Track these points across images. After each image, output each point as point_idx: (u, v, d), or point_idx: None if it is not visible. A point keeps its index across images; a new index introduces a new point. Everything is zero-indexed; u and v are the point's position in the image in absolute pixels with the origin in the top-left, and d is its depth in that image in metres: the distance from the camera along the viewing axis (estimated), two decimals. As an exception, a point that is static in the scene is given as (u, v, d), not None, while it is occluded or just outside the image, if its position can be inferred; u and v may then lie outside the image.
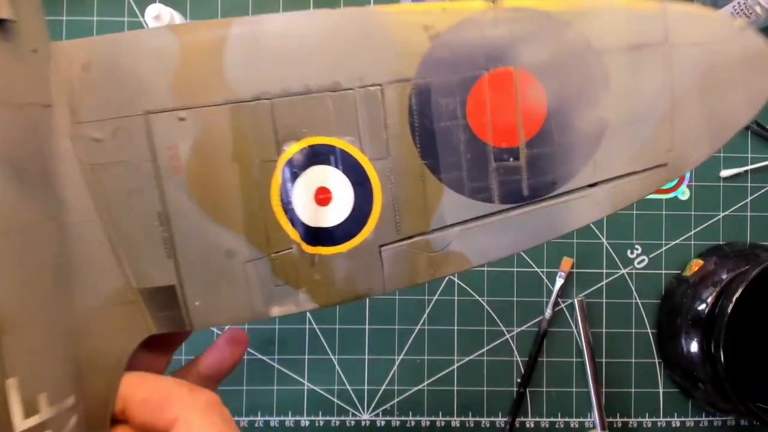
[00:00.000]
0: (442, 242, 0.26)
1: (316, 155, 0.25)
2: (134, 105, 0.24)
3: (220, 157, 0.24)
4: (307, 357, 0.49)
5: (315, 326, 0.50)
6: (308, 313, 0.49)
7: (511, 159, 0.25)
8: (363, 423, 0.49)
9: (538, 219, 0.26)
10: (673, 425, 0.50)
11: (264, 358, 0.49)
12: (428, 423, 0.49)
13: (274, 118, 0.24)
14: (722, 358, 0.43)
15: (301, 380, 0.49)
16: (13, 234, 0.21)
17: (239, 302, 0.26)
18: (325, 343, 0.50)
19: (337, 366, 0.49)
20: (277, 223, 0.25)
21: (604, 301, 0.51)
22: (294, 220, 0.25)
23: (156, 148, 0.24)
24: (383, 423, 0.49)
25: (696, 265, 0.49)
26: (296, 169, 0.25)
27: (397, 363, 0.50)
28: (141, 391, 0.24)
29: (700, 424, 0.50)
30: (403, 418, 0.49)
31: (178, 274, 0.25)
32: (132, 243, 0.25)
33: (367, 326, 0.50)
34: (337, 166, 0.25)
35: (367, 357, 0.50)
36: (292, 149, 0.25)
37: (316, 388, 0.49)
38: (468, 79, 0.24)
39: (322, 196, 0.25)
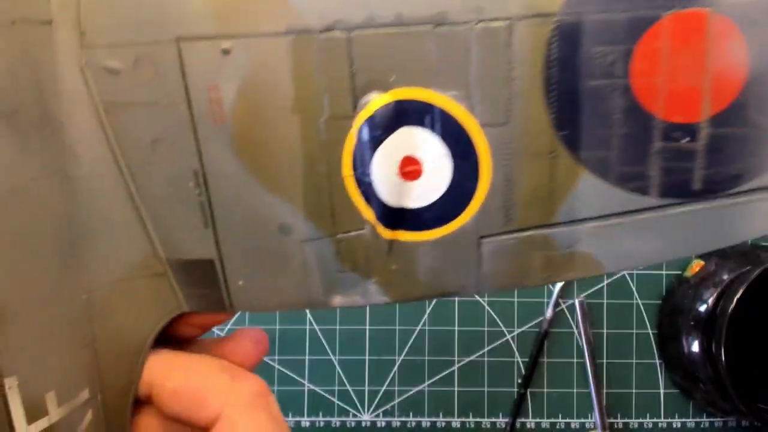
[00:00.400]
0: (569, 239, 0.20)
1: (407, 114, 0.19)
2: (162, 27, 0.18)
3: (277, 107, 0.19)
4: (307, 357, 0.49)
5: (315, 326, 0.50)
6: (309, 314, 0.49)
7: (686, 139, 0.18)
8: (363, 423, 0.49)
9: (708, 221, 0.19)
10: (674, 426, 0.50)
11: (264, 358, 0.49)
12: (429, 424, 0.49)
13: (353, 59, 0.18)
14: (723, 359, 0.43)
15: (302, 380, 0.49)
16: (5, 195, 0.17)
17: (293, 287, 0.21)
18: (325, 344, 0.49)
19: (337, 366, 0.49)
20: (347, 197, 0.20)
21: (605, 301, 0.50)
22: (369, 195, 0.20)
23: (191, 88, 0.19)
24: (384, 423, 0.49)
25: (697, 265, 0.49)
26: (378, 131, 0.19)
27: (397, 363, 0.50)
28: (171, 379, 0.20)
29: (701, 425, 0.50)
30: (403, 419, 0.49)
31: (218, 247, 0.20)
32: (159, 206, 0.20)
33: (367, 326, 0.50)
34: (433, 130, 0.19)
35: (367, 357, 0.50)
36: (375, 103, 0.19)
37: (316, 389, 0.49)
38: (641, 20, 0.17)
39: (410, 169, 0.19)
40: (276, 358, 0.49)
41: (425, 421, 0.49)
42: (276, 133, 0.19)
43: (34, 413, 0.17)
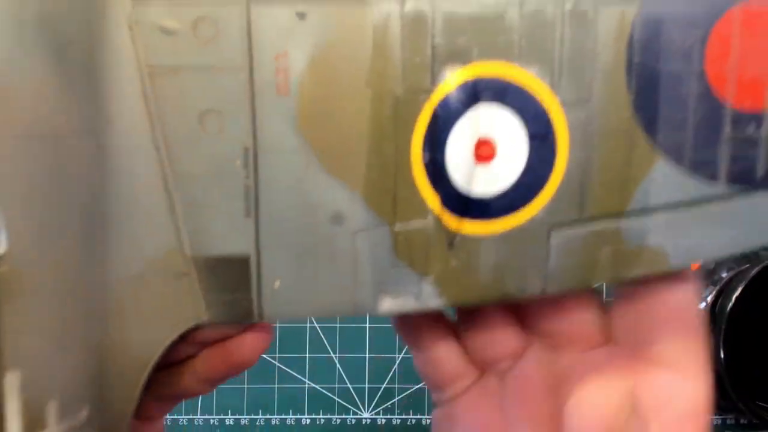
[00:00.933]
0: (639, 231, 0.19)
1: (486, 90, 0.18)
2: None
3: (350, 79, 0.17)
4: (307, 355, 0.49)
5: (316, 324, 0.50)
6: (309, 312, 0.49)
7: (753, 127, 0.18)
8: (364, 421, 0.49)
9: None
10: (673, 423, 0.50)
11: (265, 356, 0.49)
12: (429, 421, 0.49)
13: (436, 29, 0.17)
14: (722, 357, 0.43)
15: (302, 378, 0.49)
16: (42, 138, 0.14)
17: (338, 287, 0.18)
18: (325, 342, 0.49)
19: (337, 364, 0.49)
20: (412, 180, 0.18)
21: (603, 299, 0.50)
22: (438, 178, 0.18)
23: (255, 54, 0.17)
24: (384, 421, 0.49)
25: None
26: (457, 107, 0.18)
27: (398, 361, 0.50)
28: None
29: (700, 422, 0.51)
30: (404, 417, 0.49)
31: (257, 241, 0.18)
32: (195, 190, 0.17)
33: (367, 324, 0.50)
34: (512, 108, 0.18)
35: (367, 355, 0.50)
36: (456, 77, 0.17)
37: (317, 387, 0.49)
38: (715, 7, 0.17)
39: (484, 150, 0.18)
40: (276, 356, 0.49)
41: (425, 419, 0.49)
42: (345, 108, 0.17)
43: (31, 424, 0.14)
